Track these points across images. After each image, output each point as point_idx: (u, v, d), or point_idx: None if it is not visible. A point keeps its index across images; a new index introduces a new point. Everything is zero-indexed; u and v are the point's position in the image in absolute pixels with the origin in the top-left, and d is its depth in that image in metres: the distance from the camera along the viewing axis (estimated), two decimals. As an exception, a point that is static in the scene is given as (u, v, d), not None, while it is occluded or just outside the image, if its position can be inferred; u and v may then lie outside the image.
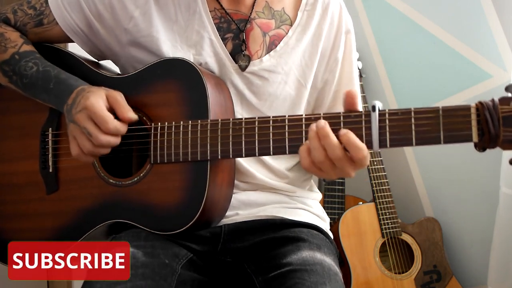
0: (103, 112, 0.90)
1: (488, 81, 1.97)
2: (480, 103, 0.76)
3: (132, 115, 0.92)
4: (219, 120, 0.91)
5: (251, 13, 1.04)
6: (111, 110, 0.92)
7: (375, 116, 0.79)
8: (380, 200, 1.97)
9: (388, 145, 0.80)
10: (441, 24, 2.07)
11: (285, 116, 0.86)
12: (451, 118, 0.77)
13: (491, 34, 1.94)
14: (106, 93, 0.93)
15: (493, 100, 0.76)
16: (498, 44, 1.93)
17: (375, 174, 1.98)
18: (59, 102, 0.95)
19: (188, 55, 1.00)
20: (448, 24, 2.06)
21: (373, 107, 0.80)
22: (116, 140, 0.91)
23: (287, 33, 1.05)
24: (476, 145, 0.78)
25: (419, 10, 2.13)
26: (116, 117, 0.92)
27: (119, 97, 0.93)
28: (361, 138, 0.80)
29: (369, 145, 0.80)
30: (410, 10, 2.15)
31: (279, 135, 0.86)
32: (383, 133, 0.80)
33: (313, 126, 0.80)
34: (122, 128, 0.92)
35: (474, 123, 0.76)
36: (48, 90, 0.96)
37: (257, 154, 0.88)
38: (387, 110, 0.80)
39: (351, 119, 0.82)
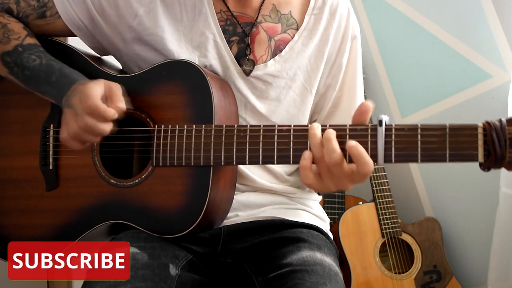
0: (95, 94, 0.87)
1: (488, 81, 1.97)
2: (488, 123, 0.75)
3: (121, 105, 0.88)
4: (224, 126, 0.90)
5: (257, 17, 1.03)
6: (107, 98, 0.90)
7: (381, 131, 0.79)
8: (380, 200, 1.97)
9: (393, 161, 0.79)
10: (441, 24, 2.07)
11: (290, 125, 0.86)
12: (457, 137, 0.77)
13: (491, 34, 1.94)
14: (104, 81, 0.92)
15: (500, 121, 0.75)
16: (498, 44, 1.93)
17: (375, 174, 1.98)
18: (60, 95, 0.94)
19: (193, 57, 0.99)
20: (448, 24, 2.06)
21: (380, 122, 0.79)
22: (103, 126, 0.87)
23: (292, 38, 1.04)
24: (481, 165, 0.77)
25: (419, 10, 2.13)
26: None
27: (114, 87, 0.91)
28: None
29: (374, 160, 0.79)
30: (410, 10, 2.15)
31: (283, 144, 0.85)
32: (388, 148, 0.79)
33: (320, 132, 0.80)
34: (109, 111, 0.87)
35: (480, 143, 0.76)
36: (51, 83, 0.95)
37: (260, 162, 0.88)
38: (393, 125, 0.79)
39: (357, 132, 0.81)
